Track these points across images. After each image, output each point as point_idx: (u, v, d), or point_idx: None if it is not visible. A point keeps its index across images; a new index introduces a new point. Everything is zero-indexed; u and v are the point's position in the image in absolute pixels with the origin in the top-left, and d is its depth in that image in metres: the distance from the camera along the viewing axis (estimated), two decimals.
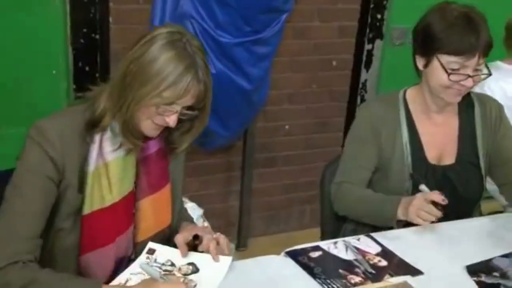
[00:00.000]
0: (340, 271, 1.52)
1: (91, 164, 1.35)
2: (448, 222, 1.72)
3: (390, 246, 1.64)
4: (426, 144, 1.81)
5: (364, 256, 1.59)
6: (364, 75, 3.04)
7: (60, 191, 1.35)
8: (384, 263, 1.57)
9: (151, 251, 1.45)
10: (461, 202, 1.71)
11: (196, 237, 1.45)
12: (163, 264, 1.42)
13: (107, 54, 2.46)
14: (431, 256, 1.61)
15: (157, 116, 1.34)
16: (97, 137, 1.36)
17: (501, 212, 2.19)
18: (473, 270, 1.55)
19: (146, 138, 1.42)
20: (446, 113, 1.84)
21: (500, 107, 1.89)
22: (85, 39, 2.40)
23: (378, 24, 2.97)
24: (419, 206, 1.60)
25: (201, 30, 2.40)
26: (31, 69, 2.41)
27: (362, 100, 3.08)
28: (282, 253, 1.59)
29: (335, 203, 1.88)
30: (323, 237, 2.00)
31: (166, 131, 1.42)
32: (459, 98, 1.76)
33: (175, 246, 1.45)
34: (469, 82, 1.68)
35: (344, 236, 1.88)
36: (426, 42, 1.71)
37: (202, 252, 1.45)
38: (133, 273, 1.40)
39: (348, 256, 1.59)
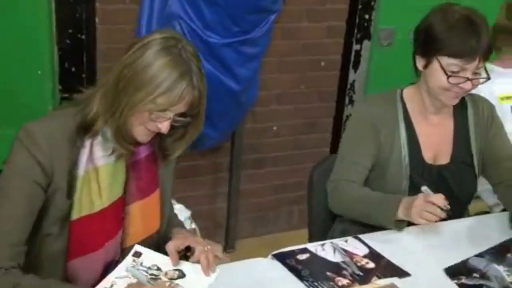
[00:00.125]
0: (328, 273, 1.51)
1: (80, 169, 1.34)
2: (437, 223, 1.71)
3: (378, 248, 1.64)
4: (422, 144, 1.82)
5: (351, 258, 1.59)
6: (352, 76, 3.04)
7: (48, 195, 1.33)
8: (371, 265, 1.56)
9: (137, 254, 1.44)
10: (455, 202, 1.71)
11: (188, 248, 1.44)
12: (149, 268, 1.41)
13: (94, 55, 2.44)
14: (418, 258, 1.61)
15: (150, 122, 1.33)
16: (87, 142, 1.34)
17: (487, 212, 2.21)
18: (452, 272, 1.54)
19: (137, 143, 1.40)
20: (442, 114, 1.84)
21: (491, 107, 1.91)
22: (71, 39, 2.38)
23: (366, 24, 2.97)
24: (422, 207, 1.60)
25: (189, 31, 2.39)
26: (16, 70, 2.38)
27: (351, 100, 3.08)
28: (269, 256, 1.58)
29: (331, 201, 1.85)
30: (311, 239, 2.00)
31: (158, 136, 1.41)
32: (456, 101, 1.77)
33: (164, 252, 1.44)
34: (468, 85, 1.68)
35: (333, 237, 1.88)
36: (427, 43, 1.71)
37: (193, 262, 1.43)
38: (118, 276, 1.38)
39: (336, 258, 1.59)
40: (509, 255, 1.61)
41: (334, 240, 1.68)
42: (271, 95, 2.92)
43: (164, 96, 1.27)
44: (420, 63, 1.75)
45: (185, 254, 1.45)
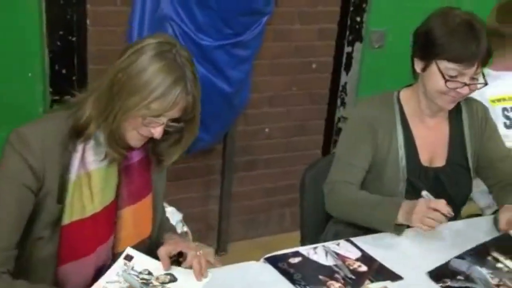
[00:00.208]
0: (320, 277, 1.51)
1: (72, 173, 1.32)
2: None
3: (370, 251, 1.64)
4: (419, 147, 1.82)
5: (344, 262, 1.58)
6: (344, 78, 3.05)
7: (39, 199, 1.31)
8: (364, 268, 1.56)
9: (129, 258, 1.42)
10: (450, 204, 1.72)
11: (180, 254, 1.43)
12: (140, 273, 1.40)
13: (84, 57, 2.42)
14: (411, 261, 1.61)
15: (143, 127, 1.32)
16: (80, 146, 1.33)
17: (479, 215, 2.21)
18: (436, 275, 1.54)
19: (130, 148, 1.39)
20: (438, 117, 1.85)
21: (485, 109, 1.92)
22: (62, 41, 2.36)
23: (357, 27, 2.97)
24: (424, 213, 1.59)
25: (181, 33, 2.38)
26: (6, 72, 2.36)
27: (342, 102, 3.09)
28: (262, 259, 1.58)
29: (328, 203, 1.83)
30: (303, 241, 1.99)
31: (151, 141, 1.40)
32: (452, 105, 1.77)
33: (155, 257, 1.43)
34: (465, 90, 1.68)
35: (326, 240, 1.87)
36: (427, 46, 1.70)
37: (185, 268, 1.42)
38: (109, 281, 1.36)
39: (328, 261, 1.58)
40: (489, 258, 1.62)
41: (326, 244, 1.67)
42: (263, 97, 2.92)
43: (158, 102, 1.27)
44: (418, 65, 1.75)
45: (177, 259, 1.45)
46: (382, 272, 1.55)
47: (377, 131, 1.79)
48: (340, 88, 3.06)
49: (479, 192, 2.05)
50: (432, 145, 1.83)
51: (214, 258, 1.43)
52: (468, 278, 1.54)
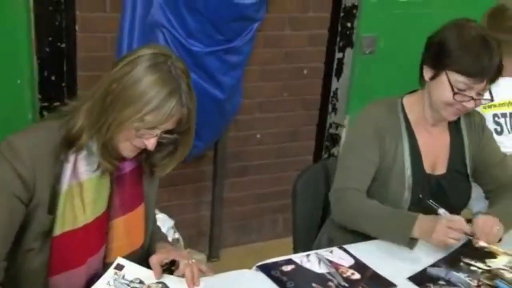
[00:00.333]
0: (313, 285, 1.50)
1: (63, 183, 1.31)
2: None
3: (363, 259, 1.63)
4: (423, 155, 1.82)
5: (337, 269, 1.57)
6: (335, 84, 3.05)
7: (29, 210, 1.30)
8: (357, 276, 1.55)
9: (120, 267, 1.41)
10: (450, 211, 1.72)
11: (172, 262, 1.42)
12: (131, 281, 1.39)
13: (74, 63, 2.40)
14: (404, 269, 1.60)
15: (136, 139, 1.31)
16: (72, 157, 1.32)
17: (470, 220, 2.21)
18: (417, 281, 1.55)
19: (123, 159, 1.38)
20: (439, 126, 1.85)
21: (482, 117, 1.93)
22: (51, 47, 2.34)
23: (348, 32, 2.98)
24: (445, 232, 1.59)
25: (173, 39, 2.37)
26: None
27: (334, 108, 3.08)
28: (254, 267, 1.56)
29: (336, 212, 1.80)
30: (296, 248, 1.98)
31: (144, 152, 1.39)
32: (455, 117, 1.78)
33: (147, 266, 1.41)
34: (470, 104, 1.69)
35: (319, 245, 1.86)
36: (439, 56, 1.69)
37: (177, 276, 1.41)
38: None
39: (321, 269, 1.57)
40: (461, 263, 1.62)
41: (319, 251, 1.66)
42: (254, 103, 2.91)
43: (152, 114, 1.26)
44: (427, 73, 1.74)
45: (169, 268, 1.43)
46: (375, 280, 1.54)
47: (384, 138, 1.78)
48: (332, 94, 3.06)
49: (473, 198, 2.05)
50: (435, 153, 1.84)
51: (206, 267, 1.42)
52: (450, 283, 1.55)
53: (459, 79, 1.66)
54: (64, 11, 2.32)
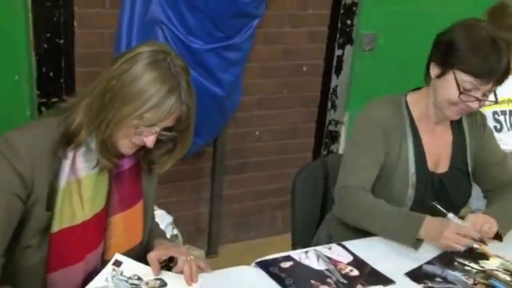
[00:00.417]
0: (312, 281, 1.50)
1: (62, 180, 1.30)
2: None
3: (362, 255, 1.63)
4: (427, 153, 1.81)
5: (335, 266, 1.57)
6: (334, 81, 3.04)
7: (28, 207, 1.29)
8: (355, 272, 1.55)
9: (118, 263, 1.41)
10: (452, 209, 1.72)
11: (171, 259, 1.42)
12: (129, 278, 1.38)
13: (72, 59, 2.39)
14: (403, 265, 1.60)
15: (135, 136, 1.31)
16: (70, 153, 1.31)
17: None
18: (415, 277, 1.55)
19: (121, 155, 1.38)
20: (442, 125, 1.85)
21: (483, 116, 1.93)
22: (49, 43, 2.33)
23: (348, 29, 2.97)
24: (454, 239, 1.59)
25: (172, 36, 2.36)
26: None
27: (333, 105, 3.08)
28: (253, 264, 1.56)
29: (340, 209, 1.79)
30: (294, 245, 1.98)
31: (143, 149, 1.38)
32: (458, 117, 1.78)
33: (146, 262, 1.41)
34: (475, 105, 1.68)
35: (318, 242, 1.86)
36: (447, 55, 1.69)
37: (176, 273, 1.41)
38: (97, 287, 1.35)
39: (320, 266, 1.57)
40: (456, 263, 1.63)
41: (317, 248, 1.66)
42: (253, 100, 2.91)
43: (152, 112, 1.26)
44: (434, 71, 1.73)
45: (168, 264, 1.43)
46: (374, 277, 1.54)
47: (389, 136, 1.77)
48: (331, 91, 3.05)
49: (472, 196, 2.05)
50: (438, 151, 1.83)
51: (204, 263, 1.42)
52: (446, 280, 1.55)
53: (466, 79, 1.65)
54: (62, 7, 2.31)
